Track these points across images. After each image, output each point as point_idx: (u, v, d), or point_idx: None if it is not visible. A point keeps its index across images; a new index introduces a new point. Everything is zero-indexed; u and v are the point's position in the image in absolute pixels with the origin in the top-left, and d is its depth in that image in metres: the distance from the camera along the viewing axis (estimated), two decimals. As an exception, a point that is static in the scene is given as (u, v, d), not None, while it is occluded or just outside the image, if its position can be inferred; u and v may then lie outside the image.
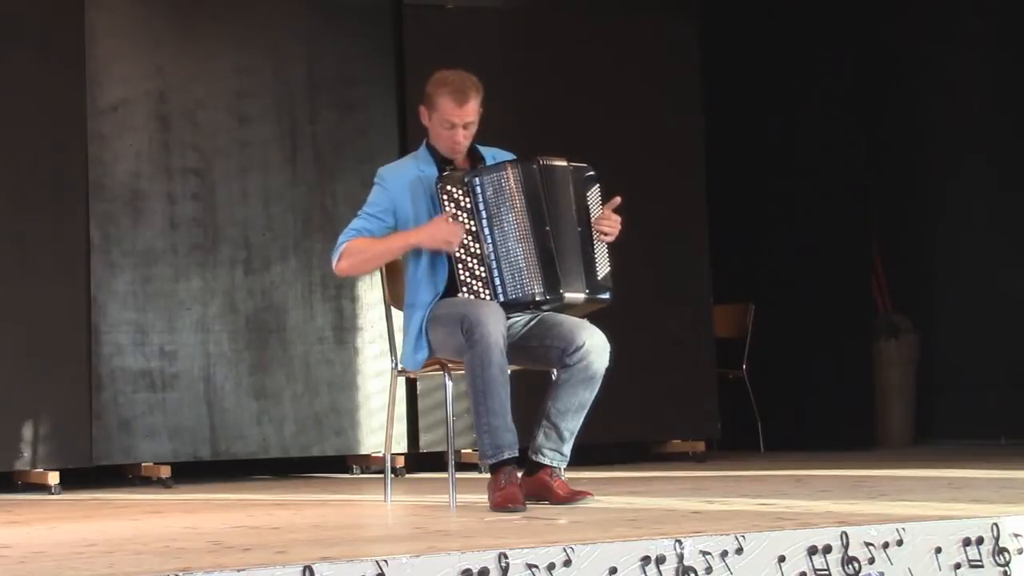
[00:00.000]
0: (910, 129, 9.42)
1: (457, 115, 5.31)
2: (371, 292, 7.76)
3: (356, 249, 5.36)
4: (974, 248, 9.09)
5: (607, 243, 5.38)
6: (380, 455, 7.57)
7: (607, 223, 5.37)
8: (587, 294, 5.31)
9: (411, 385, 7.75)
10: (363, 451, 7.81)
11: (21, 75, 7.20)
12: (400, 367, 5.53)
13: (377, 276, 6.44)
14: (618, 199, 5.39)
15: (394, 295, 5.67)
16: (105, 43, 7.44)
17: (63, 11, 7.30)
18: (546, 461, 5.26)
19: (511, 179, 5.24)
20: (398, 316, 5.58)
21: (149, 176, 7.51)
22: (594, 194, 5.41)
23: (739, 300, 9.17)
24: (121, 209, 7.44)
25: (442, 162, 5.40)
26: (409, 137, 7.65)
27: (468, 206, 5.25)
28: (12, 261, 7.14)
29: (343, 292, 7.80)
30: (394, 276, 5.70)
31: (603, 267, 5.37)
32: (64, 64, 7.28)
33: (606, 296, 5.37)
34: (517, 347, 5.26)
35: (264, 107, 7.74)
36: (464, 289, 5.23)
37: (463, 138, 5.36)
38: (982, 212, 9.09)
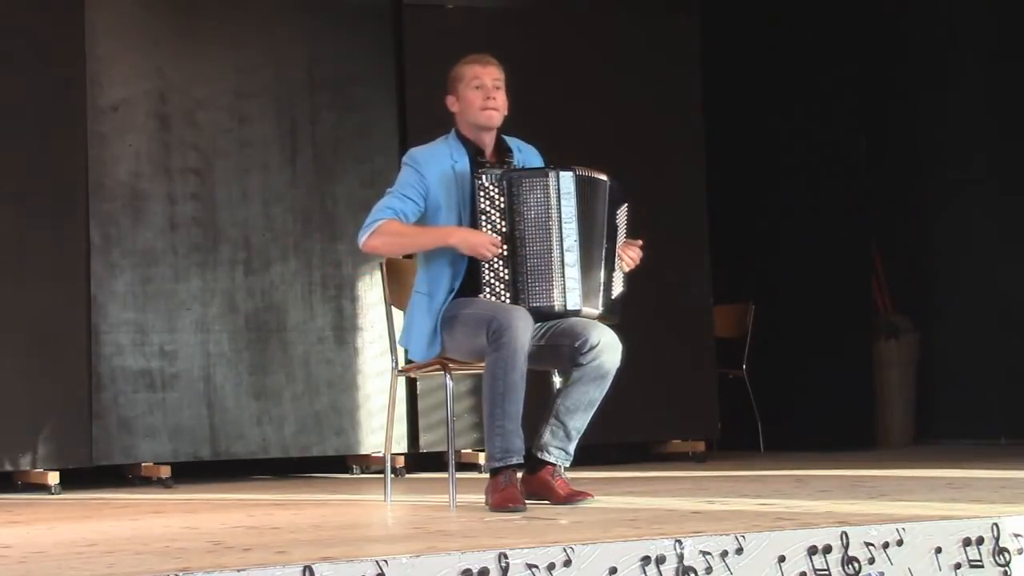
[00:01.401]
0: (910, 129, 9.42)
1: (484, 72, 5.31)
2: (371, 292, 7.76)
3: (393, 231, 5.26)
4: (974, 248, 9.09)
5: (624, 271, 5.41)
6: (380, 455, 7.57)
7: (632, 254, 5.40)
8: (601, 311, 5.32)
9: (411, 385, 7.75)
10: (363, 451, 7.81)
11: (21, 75, 7.19)
12: (403, 363, 5.52)
13: (377, 276, 6.44)
14: (639, 242, 5.44)
15: (394, 295, 5.67)
16: (105, 43, 7.44)
17: (63, 11, 7.30)
18: (551, 459, 5.26)
19: (549, 186, 5.20)
20: (398, 316, 5.57)
21: (149, 176, 7.51)
22: (622, 213, 5.41)
23: (739, 300, 9.18)
24: (121, 209, 7.44)
25: (474, 153, 5.35)
26: (409, 137, 7.65)
27: (502, 206, 5.21)
28: (12, 261, 7.14)
29: (343, 292, 7.80)
30: (394, 276, 5.69)
31: (617, 288, 5.39)
32: (64, 64, 7.28)
33: (615, 317, 5.38)
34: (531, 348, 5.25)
35: (264, 107, 7.74)
36: (487, 290, 5.20)
37: (494, 99, 5.30)
38: (982, 212, 9.09)
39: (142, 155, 7.50)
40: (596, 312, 5.29)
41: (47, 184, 7.21)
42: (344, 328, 7.78)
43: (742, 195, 9.33)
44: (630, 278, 5.49)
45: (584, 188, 5.28)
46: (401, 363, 5.62)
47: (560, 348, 5.23)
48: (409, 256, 5.61)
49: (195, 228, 7.56)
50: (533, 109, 7.83)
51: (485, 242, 5.17)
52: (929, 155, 9.35)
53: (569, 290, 5.20)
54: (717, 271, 8.59)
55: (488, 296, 5.20)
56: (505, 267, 5.20)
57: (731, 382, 8.89)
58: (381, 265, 5.75)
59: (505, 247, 5.20)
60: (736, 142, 9.27)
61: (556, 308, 5.20)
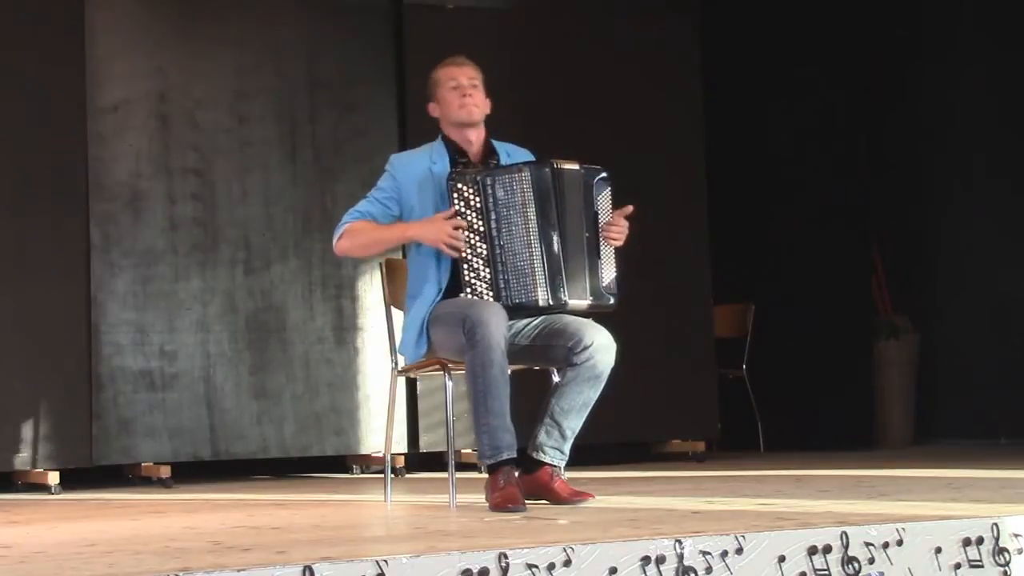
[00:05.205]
0: (910, 129, 9.42)
1: (459, 72, 5.36)
2: (371, 292, 7.76)
3: (356, 231, 5.38)
4: (974, 248, 9.09)
5: (615, 248, 5.37)
6: (380, 455, 7.57)
7: (615, 229, 5.37)
8: (590, 301, 5.30)
9: (411, 385, 7.75)
10: (363, 451, 7.82)
11: (21, 75, 7.19)
12: (403, 363, 5.53)
13: (377, 276, 6.44)
14: (630, 208, 5.39)
15: (394, 295, 5.67)
16: (105, 43, 7.44)
17: (63, 10, 7.30)
18: (546, 459, 5.25)
19: (523, 182, 5.21)
20: (398, 316, 5.58)
21: (149, 176, 7.51)
22: (604, 198, 5.39)
23: (739, 300, 9.18)
24: (121, 209, 7.44)
25: (456, 154, 5.38)
26: (409, 138, 7.65)
27: (478, 205, 5.22)
28: (12, 261, 7.14)
29: (343, 292, 7.80)
30: (394, 276, 5.70)
31: (609, 273, 5.36)
32: (64, 64, 7.28)
33: (610, 302, 5.36)
34: (522, 347, 5.26)
35: (264, 107, 7.74)
36: (468, 289, 5.22)
37: (471, 96, 5.34)
38: (982, 212, 9.09)
39: (142, 155, 7.50)
40: (584, 303, 5.28)
41: (47, 184, 7.21)
42: (344, 328, 7.78)
43: (742, 195, 9.33)
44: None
45: (560, 181, 5.26)
46: (401, 363, 5.62)
47: (554, 348, 5.24)
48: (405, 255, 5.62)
49: (195, 228, 7.56)
50: (533, 109, 7.86)
51: (443, 230, 5.18)
52: (929, 155, 9.35)
53: (552, 284, 5.20)
54: (717, 271, 8.59)
55: (469, 295, 5.21)
56: (486, 266, 5.22)
57: (731, 382, 8.89)
58: (381, 265, 5.76)
59: (483, 246, 5.22)
60: (736, 142, 9.27)
61: (540, 303, 5.20)
